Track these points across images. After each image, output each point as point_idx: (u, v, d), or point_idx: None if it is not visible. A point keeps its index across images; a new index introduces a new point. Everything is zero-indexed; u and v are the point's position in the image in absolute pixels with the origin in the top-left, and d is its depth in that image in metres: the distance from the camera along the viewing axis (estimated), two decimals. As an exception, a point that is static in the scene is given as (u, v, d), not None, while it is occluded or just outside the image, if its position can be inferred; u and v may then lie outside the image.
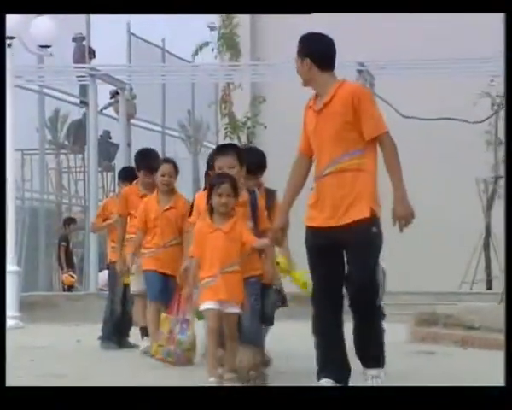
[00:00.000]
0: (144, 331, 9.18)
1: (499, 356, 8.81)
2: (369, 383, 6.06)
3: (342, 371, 6.11)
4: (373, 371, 6.07)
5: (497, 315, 10.41)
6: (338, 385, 6.04)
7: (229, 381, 6.44)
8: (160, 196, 8.65)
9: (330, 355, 6.12)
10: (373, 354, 6.10)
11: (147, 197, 8.79)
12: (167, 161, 9.07)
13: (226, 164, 6.82)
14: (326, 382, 6.03)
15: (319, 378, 6.07)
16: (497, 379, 7.23)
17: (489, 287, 15.76)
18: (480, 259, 15.96)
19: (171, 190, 8.69)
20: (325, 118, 6.09)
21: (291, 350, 7.46)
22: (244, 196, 6.83)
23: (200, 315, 7.21)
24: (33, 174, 18.81)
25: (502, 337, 9.48)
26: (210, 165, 7.78)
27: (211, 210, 6.58)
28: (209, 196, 6.59)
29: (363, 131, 6.02)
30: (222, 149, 7.12)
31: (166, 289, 8.36)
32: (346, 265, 6.11)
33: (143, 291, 9.12)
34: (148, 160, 9.27)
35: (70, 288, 17.00)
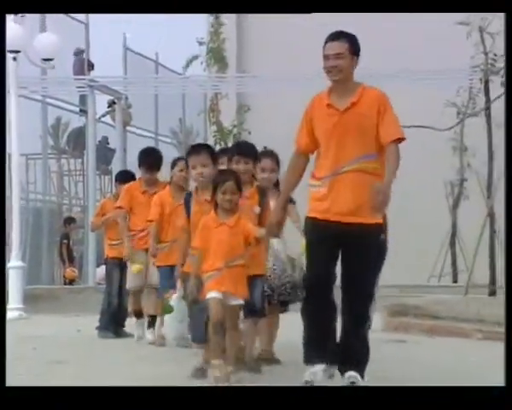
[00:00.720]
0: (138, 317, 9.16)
1: (464, 344, 8.86)
2: (345, 383, 5.73)
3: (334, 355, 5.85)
4: (351, 373, 5.74)
5: (463, 306, 10.44)
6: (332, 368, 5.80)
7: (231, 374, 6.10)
8: (174, 191, 8.52)
9: (323, 340, 5.85)
10: (355, 360, 5.79)
11: (158, 193, 8.60)
12: (184, 158, 8.95)
13: (199, 162, 6.57)
14: (319, 367, 5.78)
15: (312, 364, 5.81)
16: (461, 366, 7.27)
17: (455, 280, 15.80)
18: (446, 254, 16.00)
19: (183, 187, 8.58)
20: (351, 117, 5.80)
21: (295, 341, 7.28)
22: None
23: (167, 309, 7.06)
24: (37, 177, 18.78)
25: (466, 326, 9.53)
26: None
27: (215, 206, 6.39)
28: (214, 193, 6.40)
29: (383, 133, 5.75)
30: (195, 149, 6.84)
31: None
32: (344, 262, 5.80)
33: (138, 287, 9.05)
34: (148, 158, 9.22)
35: (71, 282, 16.95)
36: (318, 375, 5.78)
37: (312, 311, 5.86)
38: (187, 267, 6.56)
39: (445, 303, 10.40)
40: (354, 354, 5.78)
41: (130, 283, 9.14)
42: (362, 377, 5.76)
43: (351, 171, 5.74)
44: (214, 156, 6.73)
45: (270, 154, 7.27)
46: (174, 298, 7.05)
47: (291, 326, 6.99)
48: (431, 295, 11.85)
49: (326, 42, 5.88)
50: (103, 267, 11.68)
